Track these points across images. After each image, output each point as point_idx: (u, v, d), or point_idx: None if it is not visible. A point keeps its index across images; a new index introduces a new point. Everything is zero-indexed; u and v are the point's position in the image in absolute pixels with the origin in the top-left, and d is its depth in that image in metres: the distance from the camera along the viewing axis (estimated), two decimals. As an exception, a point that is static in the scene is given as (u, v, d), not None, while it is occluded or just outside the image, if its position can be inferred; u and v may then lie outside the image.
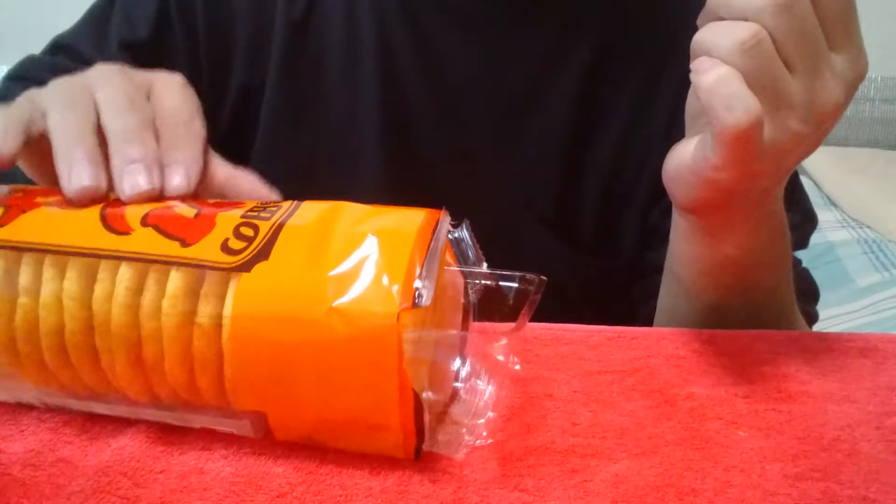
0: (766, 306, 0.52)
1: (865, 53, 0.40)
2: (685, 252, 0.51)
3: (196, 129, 0.43)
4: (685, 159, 0.43)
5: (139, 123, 0.41)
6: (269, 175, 0.65)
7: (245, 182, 0.44)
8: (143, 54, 0.62)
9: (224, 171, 0.44)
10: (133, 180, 0.38)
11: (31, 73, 0.63)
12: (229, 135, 0.65)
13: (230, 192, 0.43)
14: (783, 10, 0.37)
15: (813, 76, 0.39)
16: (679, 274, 0.53)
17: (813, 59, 0.38)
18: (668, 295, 0.56)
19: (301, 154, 0.65)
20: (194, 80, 0.64)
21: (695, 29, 0.41)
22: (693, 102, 0.45)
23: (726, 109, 0.37)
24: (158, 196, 0.39)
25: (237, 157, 0.67)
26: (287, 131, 0.64)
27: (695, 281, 0.51)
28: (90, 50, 0.63)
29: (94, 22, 0.65)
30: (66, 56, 0.64)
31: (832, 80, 0.39)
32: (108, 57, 0.61)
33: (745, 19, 0.38)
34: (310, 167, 0.65)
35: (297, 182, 0.64)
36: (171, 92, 0.44)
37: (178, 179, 0.40)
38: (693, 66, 0.39)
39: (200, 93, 0.64)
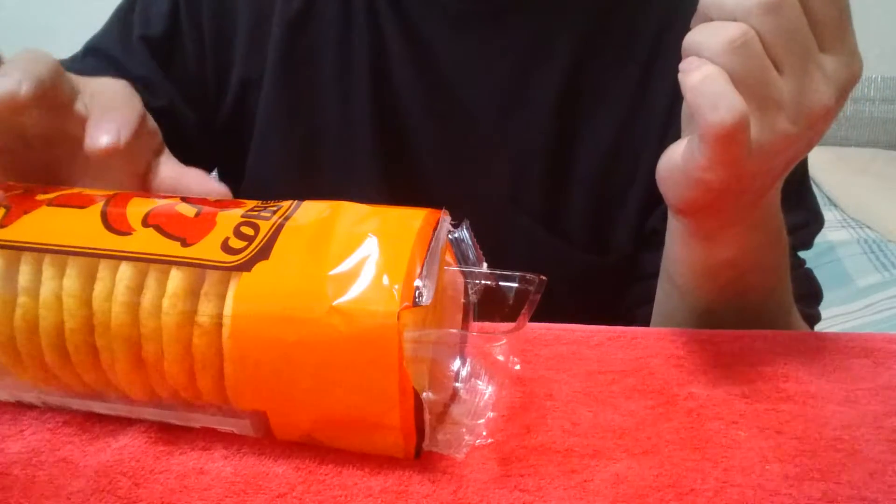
0: (762, 309, 0.52)
1: (860, 56, 0.40)
2: (680, 254, 0.51)
3: (135, 104, 0.44)
4: (675, 160, 0.43)
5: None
6: (267, 168, 0.67)
7: (193, 177, 0.44)
8: (158, 48, 0.66)
9: (174, 168, 0.44)
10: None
11: None
12: (229, 127, 0.68)
13: (181, 189, 0.44)
14: (771, 10, 0.37)
15: (802, 77, 0.38)
16: (674, 276, 0.52)
17: (802, 59, 0.38)
18: (664, 296, 0.56)
19: (297, 149, 0.66)
20: (201, 73, 0.66)
21: (688, 25, 0.41)
22: None
23: (711, 109, 0.37)
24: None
25: (236, 149, 0.69)
26: (283, 127, 0.66)
27: (689, 283, 0.51)
28: (118, 48, 0.66)
29: (119, 21, 0.68)
30: (95, 58, 0.66)
31: (822, 81, 0.39)
32: (132, 52, 0.65)
33: (735, 20, 0.38)
34: (306, 162, 0.66)
35: (294, 176, 0.66)
36: (114, 81, 0.45)
37: (105, 138, 0.40)
38: (681, 65, 0.39)
39: (207, 90, 0.66)
